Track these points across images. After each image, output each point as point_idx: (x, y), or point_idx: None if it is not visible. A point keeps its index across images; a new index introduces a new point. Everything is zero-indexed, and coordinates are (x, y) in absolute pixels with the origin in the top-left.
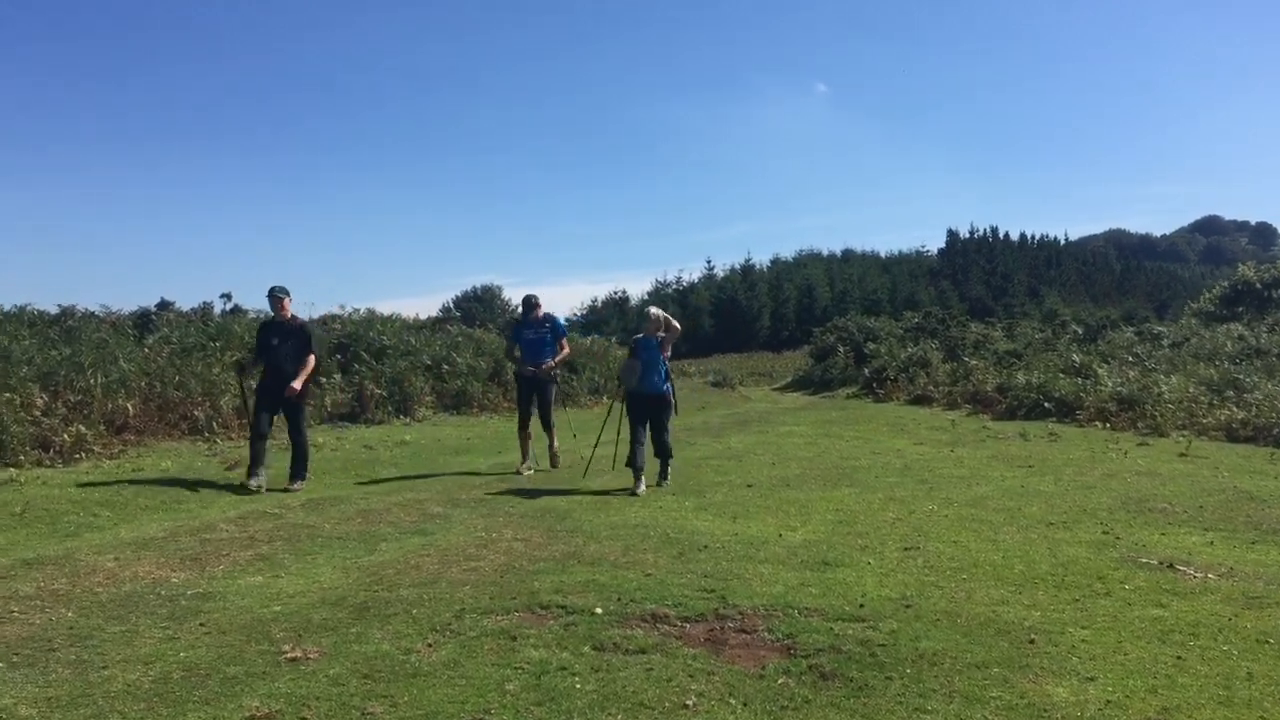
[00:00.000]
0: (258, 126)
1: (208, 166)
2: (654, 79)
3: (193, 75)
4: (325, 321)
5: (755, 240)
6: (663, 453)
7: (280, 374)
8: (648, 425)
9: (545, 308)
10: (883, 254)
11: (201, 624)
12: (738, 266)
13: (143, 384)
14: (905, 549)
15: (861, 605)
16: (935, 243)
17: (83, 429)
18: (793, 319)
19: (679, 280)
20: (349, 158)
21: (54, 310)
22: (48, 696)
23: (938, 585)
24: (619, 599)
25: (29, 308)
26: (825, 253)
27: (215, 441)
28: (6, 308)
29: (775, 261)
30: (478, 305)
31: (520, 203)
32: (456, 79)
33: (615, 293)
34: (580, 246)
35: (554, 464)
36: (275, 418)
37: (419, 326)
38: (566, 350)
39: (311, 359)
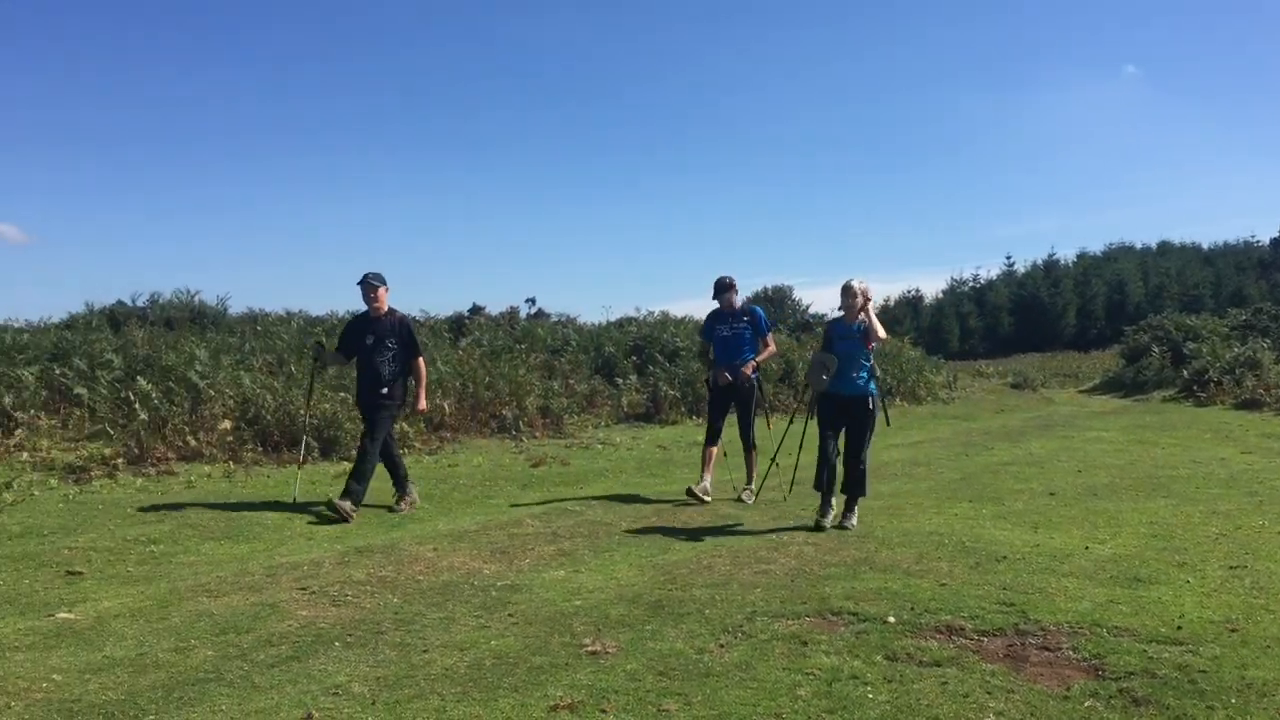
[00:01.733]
0: (558, 136)
1: (512, 173)
2: (943, 66)
3: (489, 86)
4: (621, 325)
5: (1059, 234)
6: (854, 480)
7: (376, 377)
8: (840, 438)
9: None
10: (1204, 245)
11: (510, 614)
12: (1040, 262)
13: (457, 384)
14: (1230, 568)
15: (1179, 627)
16: (1267, 231)
17: (405, 426)
18: (1101, 317)
19: (975, 278)
20: (644, 161)
21: None
22: (377, 676)
23: (1268, 609)
24: (912, 608)
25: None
26: (1138, 245)
27: (522, 439)
28: (340, 313)
29: (1081, 256)
30: (768, 306)
31: (809, 201)
32: (749, 84)
33: (909, 291)
34: (871, 244)
35: (748, 490)
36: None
37: None
38: (771, 349)
39: (422, 364)
